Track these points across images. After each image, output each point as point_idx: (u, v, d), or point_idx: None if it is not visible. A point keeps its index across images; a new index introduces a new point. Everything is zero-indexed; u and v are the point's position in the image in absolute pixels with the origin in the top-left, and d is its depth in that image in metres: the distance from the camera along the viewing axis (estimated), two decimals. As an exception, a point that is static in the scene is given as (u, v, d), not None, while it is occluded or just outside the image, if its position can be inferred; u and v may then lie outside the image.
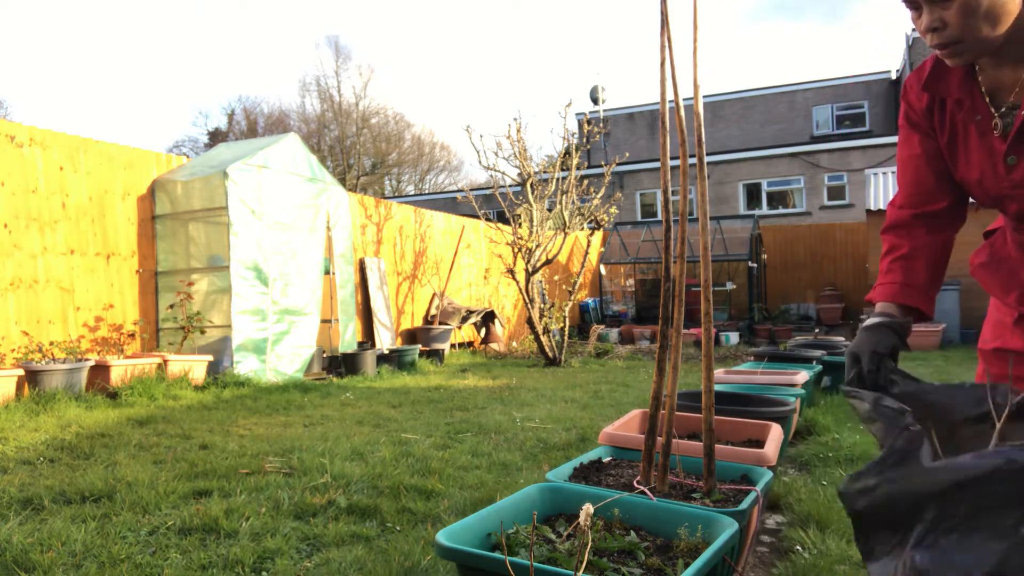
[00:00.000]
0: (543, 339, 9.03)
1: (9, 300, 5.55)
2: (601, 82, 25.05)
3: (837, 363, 5.68)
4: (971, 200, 1.68)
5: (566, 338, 9.40)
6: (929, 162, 1.61)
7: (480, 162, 10.17)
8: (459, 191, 23.53)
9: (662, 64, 1.98)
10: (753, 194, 21.07)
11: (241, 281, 6.56)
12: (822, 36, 56.19)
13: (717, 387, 3.90)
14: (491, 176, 10.16)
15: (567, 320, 9.56)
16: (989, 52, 1.43)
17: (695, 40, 1.96)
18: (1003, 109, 1.49)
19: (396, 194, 35.04)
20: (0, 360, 5.41)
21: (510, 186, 10.26)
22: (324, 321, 7.95)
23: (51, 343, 5.57)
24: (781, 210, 20.61)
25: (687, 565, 1.54)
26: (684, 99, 1.95)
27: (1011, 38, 1.39)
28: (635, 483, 2.03)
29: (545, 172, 10.39)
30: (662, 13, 1.93)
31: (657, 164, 21.87)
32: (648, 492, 1.93)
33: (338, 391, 6.24)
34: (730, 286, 14.52)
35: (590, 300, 15.01)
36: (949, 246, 1.66)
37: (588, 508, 1.16)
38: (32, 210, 5.77)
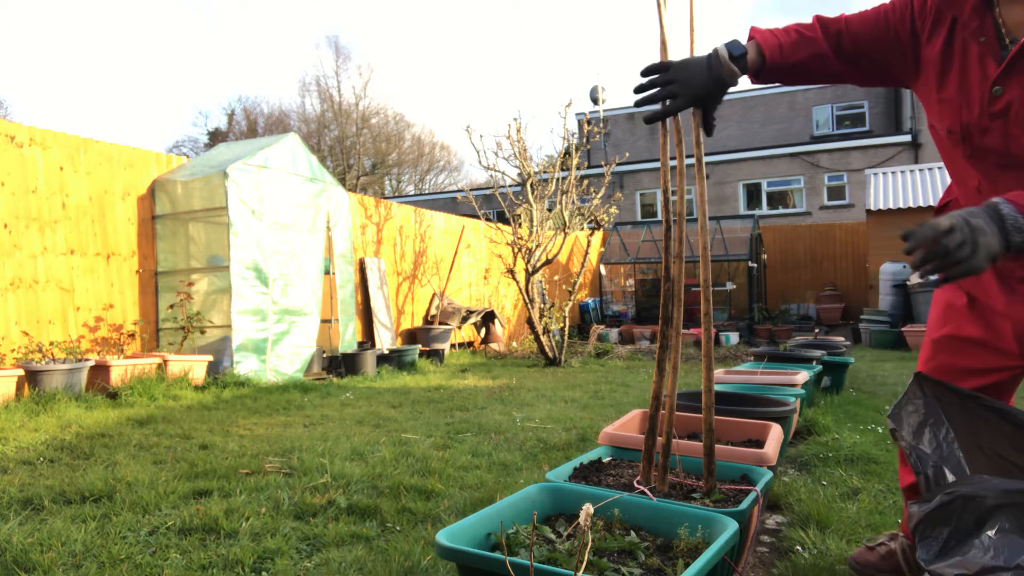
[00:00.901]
0: (543, 339, 9.03)
1: (9, 300, 5.55)
2: (601, 82, 25.08)
3: (837, 363, 5.68)
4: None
5: (566, 338, 9.40)
6: (884, 32, 1.64)
7: (480, 162, 10.18)
8: (459, 191, 23.53)
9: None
10: (753, 194, 21.08)
11: (241, 281, 6.56)
12: (822, 36, 56.08)
13: (717, 387, 3.90)
14: (491, 176, 10.17)
15: (567, 320, 9.56)
16: None
17: (691, 43, 1.96)
18: (1007, 41, 1.50)
19: (396, 194, 35.05)
20: (0, 360, 5.41)
21: (510, 186, 10.27)
22: (324, 321, 7.95)
23: (51, 343, 5.57)
24: (781, 210, 20.61)
25: (687, 565, 1.54)
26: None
27: None
28: (635, 483, 2.03)
29: (545, 172, 10.39)
30: (659, 14, 1.93)
31: (657, 164, 21.88)
32: (648, 492, 1.93)
33: (338, 391, 6.24)
34: (730, 286, 14.52)
35: (590, 300, 15.00)
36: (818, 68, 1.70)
37: (588, 508, 1.16)
38: (32, 210, 5.77)
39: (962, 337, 1.74)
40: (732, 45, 1.67)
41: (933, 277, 1.39)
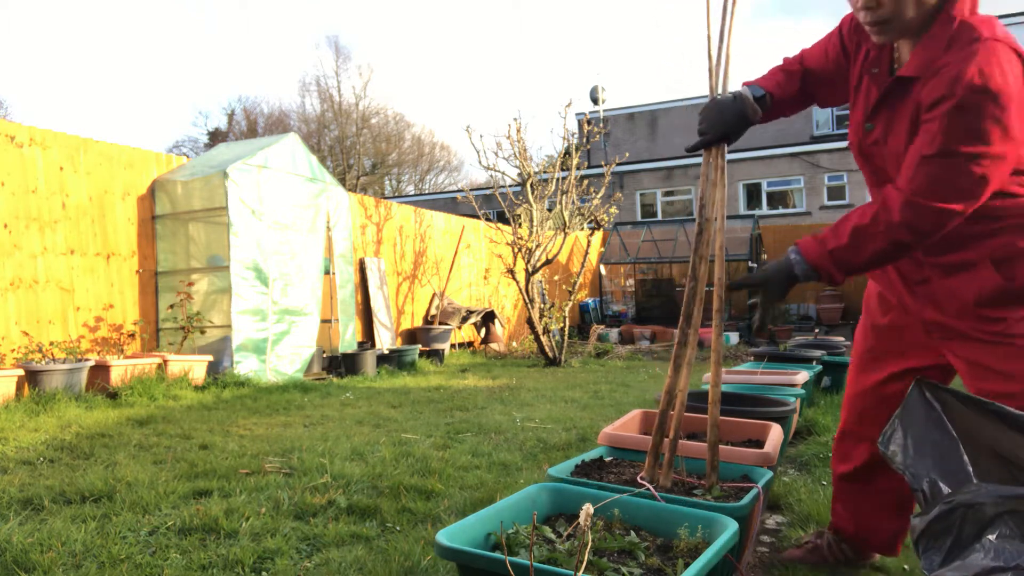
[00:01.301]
0: (543, 339, 9.03)
1: (9, 300, 5.55)
2: (601, 82, 25.07)
3: (837, 363, 5.68)
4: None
5: (566, 338, 9.40)
6: (828, 62, 1.92)
7: (480, 162, 10.18)
8: (459, 191, 23.52)
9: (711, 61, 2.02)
10: (753, 194, 21.07)
11: (241, 281, 6.56)
12: (822, 35, 56.08)
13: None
14: (491, 176, 10.17)
15: (567, 320, 9.56)
16: (907, 34, 1.64)
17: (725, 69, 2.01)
18: (892, 76, 1.71)
19: (396, 194, 35.04)
20: (0, 360, 5.41)
21: (510, 186, 10.26)
22: (324, 321, 7.95)
23: (51, 343, 5.57)
24: (781, 210, 20.60)
25: (687, 565, 1.54)
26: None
27: (920, 23, 1.62)
28: (639, 478, 2.03)
29: (545, 172, 10.39)
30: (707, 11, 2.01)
31: (657, 164, 21.87)
32: (650, 486, 1.93)
33: (338, 391, 6.24)
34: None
35: (590, 300, 15.00)
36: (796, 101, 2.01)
37: (588, 508, 1.16)
38: (32, 210, 5.77)
39: (880, 326, 2.03)
40: (752, 88, 1.96)
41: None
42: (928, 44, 1.60)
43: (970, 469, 1.25)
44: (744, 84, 1.98)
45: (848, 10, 1.78)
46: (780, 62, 2.05)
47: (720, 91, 2.04)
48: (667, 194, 21.92)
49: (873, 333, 2.04)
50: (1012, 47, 1.52)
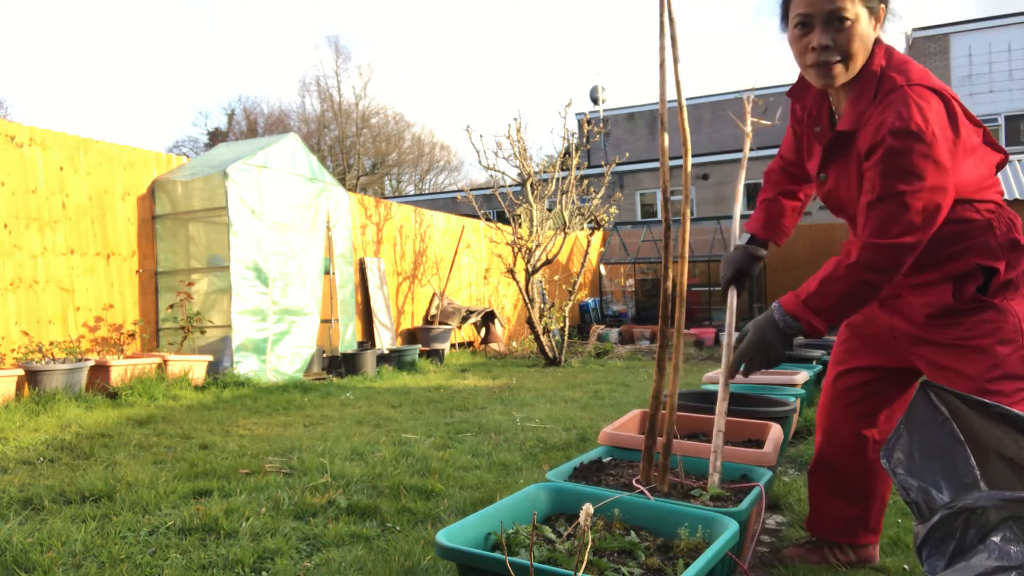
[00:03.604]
0: (543, 339, 9.03)
1: (9, 300, 5.55)
2: (601, 82, 25.08)
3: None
4: None
5: (566, 338, 9.40)
6: (795, 140, 2.11)
7: (480, 162, 10.17)
8: (459, 191, 23.52)
9: (661, 65, 1.99)
10: (753, 194, 21.07)
11: (241, 281, 6.56)
12: (822, 36, 55.95)
13: (715, 387, 3.89)
14: (491, 176, 10.16)
15: (567, 320, 9.56)
16: (846, 79, 1.76)
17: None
18: (834, 132, 1.85)
19: (396, 194, 35.03)
20: (0, 360, 5.41)
21: (510, 186, 10.26)
22: (324, 321, 7.95)
23: (51, 343, 5.57)
24: (781, 210, 20.58)
25: (687, 565, 1.54)
26: (669, 101, 2.01)
27: (856, 70, 1.75)
28: (634, 482, 2.03)
29: (545, 172, 10.38)
30: (661, 16, 1.94)
31: (657, 164, 21.86)
32: (647, 492, 1.93)
33: (338, 391, 6.24)
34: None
35: (590, 300, 15.00)
36: (797, 204, 2.26)
37: (588, 508, 1.16)
38: (32, 210, 5.77)
39: (853, 323, 2.16)
40: (749, 238, 2.27)
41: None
42: (857, 99, 1.76)
43: (977, 472, 1.25)
44: (745, 228, 2.29)
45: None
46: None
47: (672, 96, 2.10)
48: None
49: (848, 329, 2.18)
50: (929, 87, 1.66)
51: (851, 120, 1.76)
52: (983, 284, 1.74)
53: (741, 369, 1.94)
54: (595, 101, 24.29)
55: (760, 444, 2.61)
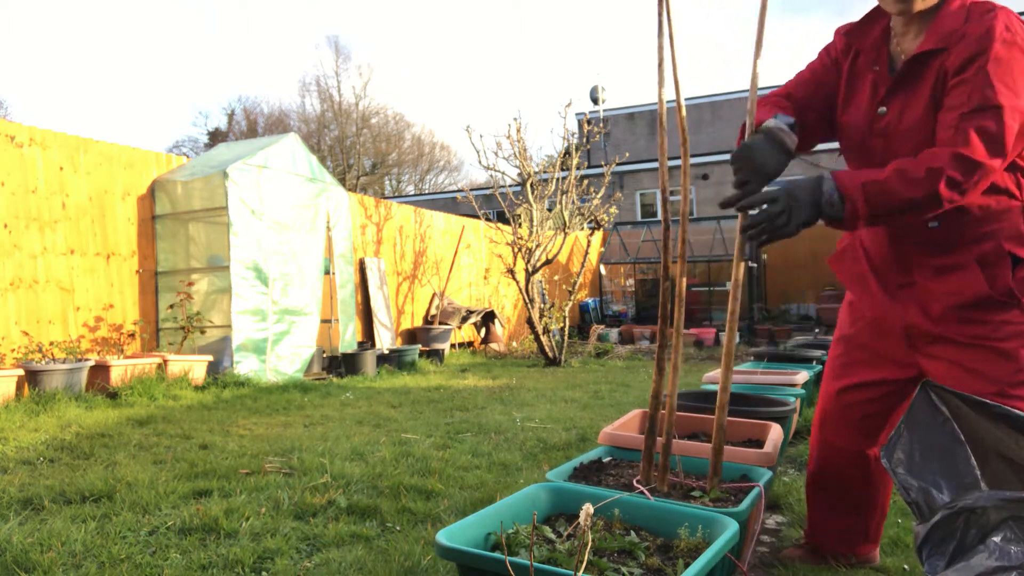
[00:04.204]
0: (543, 339, 9.03)
1: (9, 300, 5.55)
2: (601, 82, 25.06)
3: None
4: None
5: (566, 338, 9.40)
6: (819, 85, 1.95)
7: (480, 162, 10.17)
8: (459, 191, 23.52)
9: (659, 64, 1.99)
10: (753, 194, 21.05)
11: (241, 281, 6.56)
12: (829, 34, 56.18)
13: (715, 387, 3.89)
14: (491, 176, 10.16)
15: (567, 320, 9.56)
16: (921, 13, 1.70)
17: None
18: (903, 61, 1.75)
19: (396, 194, 35.02)
20: (0, 360, 5.41)
21: (510, 186, 10.26)
22: (324, 321, 7.95)
23: (51, 343, 5.57)
24: (781, 210, 20.57)
25: (687, 565, 1.54)
26: (668, 101, 2.00)
27: (927, 11, 1.69)
28: (635, 483, 2.03)
29: (545, 172, 10.38)
30: (659, 16, 1.94)
31: (657, 164, 21.86)
32: (647, 492, 1.93)
33: (338, 391, 6.24)
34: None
35: (590, 300, 15.00)
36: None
37: (588, 508, 1.16)
38: (32, 210, 5.77)
39: (847, 336, 2.08)
40: (781, 119, 1.82)
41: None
42: (945, 20, 1.67)
43: (978, 472, 1.25)
44: (760, 121, 1.85)
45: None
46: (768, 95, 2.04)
47: (671, 96, 2.01)
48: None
49: (842, 343, 2.10)
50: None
51: (937, 40, 1.65)
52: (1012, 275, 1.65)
53: (747, 210, 1.70)
54: (595, 101, 24.28)
55: (760, 444, 2.60)
